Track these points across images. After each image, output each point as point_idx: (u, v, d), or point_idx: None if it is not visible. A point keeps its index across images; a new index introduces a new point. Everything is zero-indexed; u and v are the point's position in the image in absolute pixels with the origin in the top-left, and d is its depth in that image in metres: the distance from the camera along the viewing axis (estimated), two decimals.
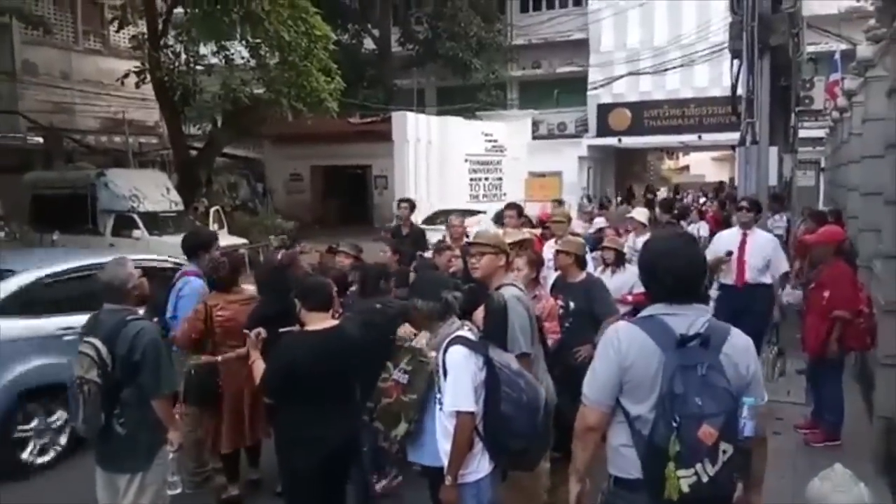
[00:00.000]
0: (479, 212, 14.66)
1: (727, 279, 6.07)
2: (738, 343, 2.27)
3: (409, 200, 8.32)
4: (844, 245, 5.73)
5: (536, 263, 4.52)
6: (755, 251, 5.98)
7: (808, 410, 5.57)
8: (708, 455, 2.06)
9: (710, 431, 2.05)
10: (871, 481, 3.64)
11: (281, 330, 3.52)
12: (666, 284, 2.29)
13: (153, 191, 14.11)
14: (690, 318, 2.24)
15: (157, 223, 13.24)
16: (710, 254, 5.93)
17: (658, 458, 2.09)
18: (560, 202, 20.52)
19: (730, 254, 5.99)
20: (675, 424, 2.06)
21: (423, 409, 3.41)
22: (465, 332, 3.06)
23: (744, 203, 6.35)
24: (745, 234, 6.10)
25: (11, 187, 14.28)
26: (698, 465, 2.06)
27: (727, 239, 6.29)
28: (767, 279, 5.97)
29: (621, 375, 2.23)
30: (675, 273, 2.27)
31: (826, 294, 5.18)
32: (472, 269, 3.75)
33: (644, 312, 2.35)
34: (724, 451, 2.07)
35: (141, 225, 13.04)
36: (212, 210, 14.99)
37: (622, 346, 2.24)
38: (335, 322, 3.50)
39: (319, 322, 3.40)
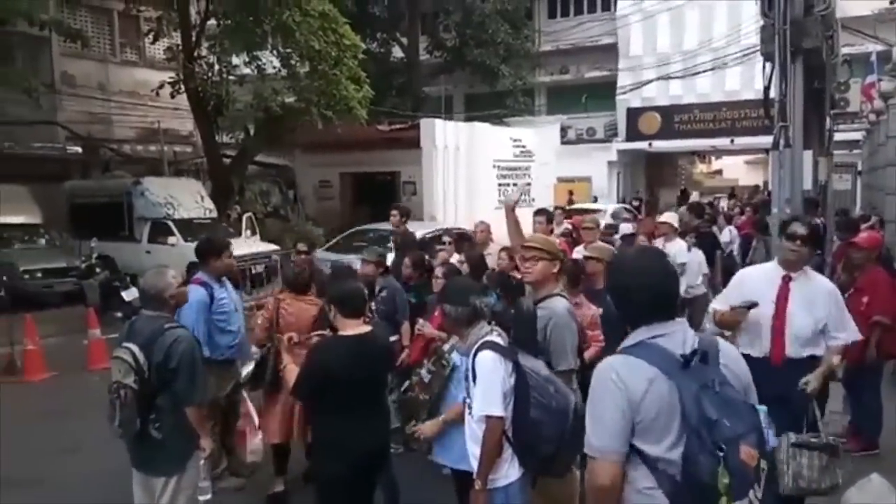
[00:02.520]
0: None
1: (752, 349, 3.70)
2: (730, 352, 2.15)
3: (399, 208, 8.53)
4: (883, 251, 5.62)
5: (577, 271, 4.52)
6: (803, 308, 3.67)
7: (846, 419, 5.47)
8: (755, 479, 1.88)
9: (751, 452, 1.88)
10: None
11: (314, 334, 3.59)
12: (642, 304, 2.08)
13: (188, 198, 14.38)
14: (680, 336, 2.06)
15: (191, 230, 13.45)
16: (723, 301, 3.98)
17: (706, 498, 1.84)
18: (594, 199, 20.48)
19: (754, 305, 3.69)
20: (721, 454, 1.83)
21: (435, 410, 3.54)
22: (494, 338, 3.08)
23: (796, 229, 3.72)
24: (788, 280, 3.73)
25: (51, 196, 14.66)
26: (751, 493, 1.88)
27: (758, 280, 3.88)
28: (819, 350, 3.74)
29: (632, 414, 1.96)
30: (652, 290, 2.07)
31: (865, 300, 5.11)
32: (524, 272, 3.68)
33: (629, 341, 2.10)
34: (763, 470, 1.91)
35: (176, 232, 13.28)
36: (244, 217, 15.22)
37: (625, 381, 1.98)
38: (368, 328, 3.54)
39: (353, 328, 3.44)
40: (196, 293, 4.54)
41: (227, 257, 4.85)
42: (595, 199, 21.50)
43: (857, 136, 16.14)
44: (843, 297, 4.23)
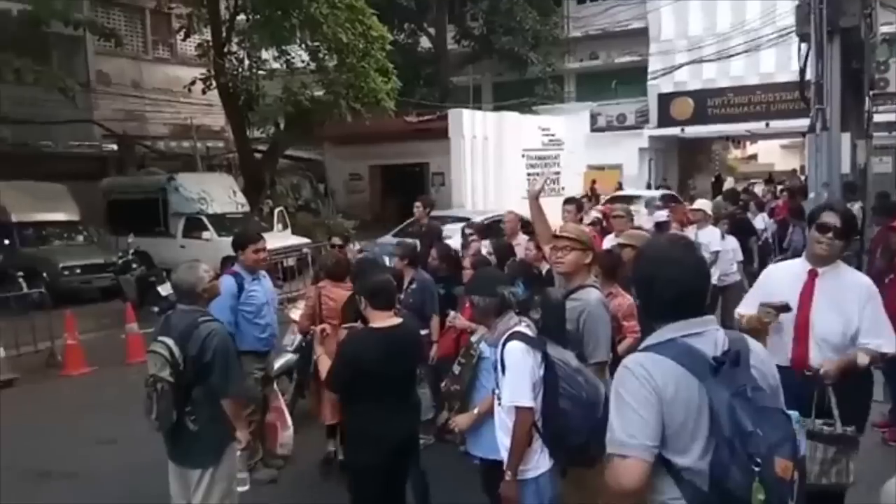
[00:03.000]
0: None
1: (775, 356, 2.84)
2: (760, 351, 1.99)
3: (423, 199, 8.61)
4: None
5: (613, 262, 4.45)
6: (831, 308, 3.17)
7: (886, 408, 5.33)
8: (790, 493, 1.73)
9: (786, 464, 1.72)
10: None
11: (344, 326, 3.62)
12: (666, 298, 1.91)
13: (221, 193, 14.62)
14: (712, 335, 1.91)
15: (224, 224, 13.68)
16: (751, 302, 3.43)
17: None
18: (620, 186, 20.24)
19: (785, 308, 3.21)
20: (756, 469, 1.69)
21: (467, 400, 3.58)
22: (522, 328, 3.07)
23: (828, 219, 3.23)
24: (814, 276, 3.25)
25: (88, 193, 14.99)
26: None
27: (782, 278, 3.42)
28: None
29: (663, 416, 1.81)
30: (678, 285, 1.90)
31: None
32: (555, 262, 3.61)
33: (656, 337, 1.93)
34: (796, 482, 1.74)
35: (210, 226, 13.51)
36: (276, 211, 15.41)
37: (656, 379, 1.81)
38: (399, 320, 3.56)
39: (384, 320, 3.45)
40: (225, 282, 4.60)
41: (252, 251, 4.86)
42: (620, 186, 21.17)
43: None
44: (882, 285, 3.99)
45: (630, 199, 14.42)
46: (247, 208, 15.00)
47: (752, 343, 1.99)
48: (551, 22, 25.25)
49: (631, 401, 1.83)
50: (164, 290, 10.70)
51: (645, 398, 1.80)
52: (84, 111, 17.30)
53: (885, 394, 5.46)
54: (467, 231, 7.09)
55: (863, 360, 3.14)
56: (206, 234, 13.42)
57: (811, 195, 8.42)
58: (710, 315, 1.98)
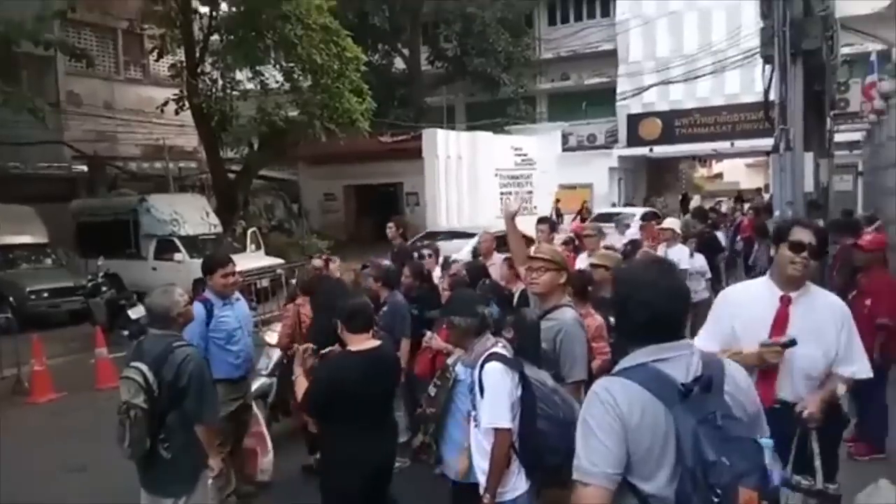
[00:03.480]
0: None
1: None
2: (738, 378, 1.94)
3: (396, 220, 8.60)
4: (886, 253, 5.60)
5: (584, 282, 4.51)
6: (809, 338, 2.82)
7: (852, 423, 5.45)
8: None
9: (750, 495, 1.68)
10: None
11: (322, 351, 3.61)
12: (640, 321, 1.88)
13: (193, 214, 14.47)
14: (685, 359, 1.87)
15: (197, 246, 13.53)
16: (714, 330, 3.01)
17: None
18: (587, 210, 20.49)
19: (791, 343, 2.78)
20: (716, 500, 1.67)
21: (444, 426, 3.51)
22: (500, 349, 3.09)
23: (802, 237, 2.90)
24: (787, 302, 2.91)
25: (57, 215, 14.74)
26: None
27: (747, 302, 3.01)
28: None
29: (628, 442, 1.79)
30: (652, 308, 1.87)
31: (868, 302, 5.09)
32: (530, 283, 3.65)
33: (628, 361, 1.91)
34: None
35: (182, 248, 13.36)
36: (249, 231, 15.31)
37: (621, 405, 1.79)
38: (377, 342, 3.57)
39: (362, 343, 3.46)
40: (194, 309, 4.40)
41: (221, 276, 4.63)
42: (584, 205, 21.52)
43: (858, 136, 16.10)
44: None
45: (611, 217, 14.63)
46: (220, 229, 14.87)
47: (731, 368, 1.96)
48: (523, 44, 25.68)
49: (595, 428, 1.82)
50: (135, 313, 10.50)
51: (609, 425, 1.79)
52: (54, 132, 17.05)
53: (851, 409, 5.60)
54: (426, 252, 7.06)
55: (841, 390, 2.91)
56: (178, 256, 13.25)
57: (776, 213, 8.62)
58: (686, 339, 1.95)
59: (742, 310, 2.96)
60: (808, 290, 2.93)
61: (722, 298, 3.14)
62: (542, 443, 2.96)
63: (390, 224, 8.42)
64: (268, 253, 14.95)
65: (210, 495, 3.52)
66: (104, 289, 11.53)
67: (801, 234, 2.89)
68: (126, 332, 10.14)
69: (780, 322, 2.88)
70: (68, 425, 7.13)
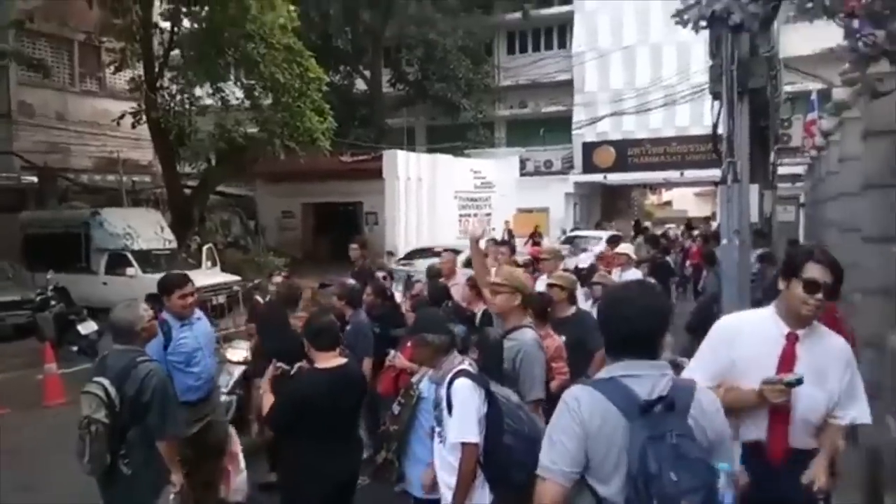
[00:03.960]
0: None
1: (746, 435, 2.70)
2: (705, 403, 2.03)
3: (358, 241, 8.71)
4: None
5: (544, 304, 4.62)
6: (813, 381, 2.60)
7: None
8: None
9: None
10: None
11: (295, 367, 3.66)
12: (620, 334, 2.05)
13: (147, 229, 14.22)
14: (653, 379, 1.99)
15: (150, 261, 13.30)
16: (710, 359, 2.75)
17: None
18: (538, 234, 20.92)
19: (799, 382, 2.54)
20: None
21: (407, 443, 3.58)
22: (467, 366, 3.18)
23: (816, 275, 2.58)
24: (794, 340, 2.67)
25: (5, 226, 14.32)
26: None
27: (751, 337, 2.72)
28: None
29: (586, 446, 1.96)
30: (629, 322, 2.03)
31: None
32: (489, 303, 3.90)
33: (601, 374, 2.10)
34: None
35: (134, 263, 13.10)
36: (205, 248, 15.09)
37: (583, 412, 1.97)
38: (343, 360, 3.63)
39: (328, 360, 3.52)
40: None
41: (178, 297, 4.43)
42: (536, 230, 21.86)
43: (800, 169, 16.92)
44: None
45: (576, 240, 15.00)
46: (174, 245, 14.64)
47: (701, 393, 2.05)
48: (483, 71, 26.20)
49: (559, 429, 2.02)
50: (85, 328, 10.30)
51: (571, 429, 1.97)
52: (4, 142, 16.60)
53: None
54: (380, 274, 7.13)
55: (842, 444, 2.70)
56: (130, 271, 12.98)
57: (723, 241, 9.00)
58: (662, 361, 2.07)
59: (743, 343, 2.71)
60: (815, 328, 2.69)
61: (719, 329, 2.86)
62: (508, 458, 3.04)
63: (354, 245, 8.49)
64: (224, 269, 14.75)
65: None
66: (53, 303, 11.22)
67: (816, 272, 2.57)
68: (75, 348, 9.95)
69: (788, 360, 2.65)
70: (14, 442, 6.88)
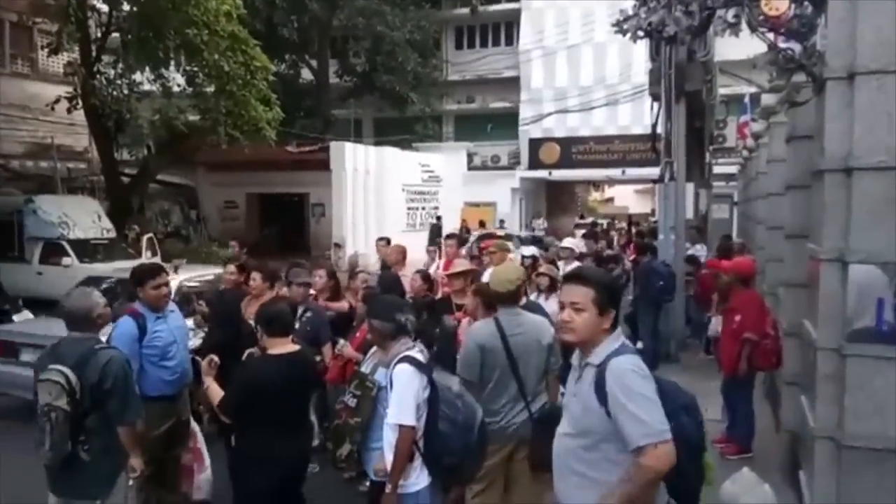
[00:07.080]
0: None
1: None
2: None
3: (324, 265, 8.60)
4: (749, 276, 6.21)
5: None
6: None
7: (723, 426, 6.06)
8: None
9: None
10: (780, 488, 4.11)
11: (246, 352, 3.70)
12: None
13: (83, 217, 13.77)
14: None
15: (87, 250, 12.91)
16: None
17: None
18: (483, 224, 21.28)
19: None
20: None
21: (368, 431, 3.64)
22: (414, 353, 3.29)
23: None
24: None
25: None
26: None
27: None
28: None
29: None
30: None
31: (737, 318, 5.68)
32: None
33: (615, 344, 2.43)
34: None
35: (71, 252, 12.69)
36: (144, 237, 14.71)
37: (648, 373, 2.29)
38: (296, 347, 3.69)
39: (280, 347, 3.58)
40: (124, 325, 4.23)
41: (152, 287, 4.33)
42: (482, 224, 22.42)
43: (733, 169, 17.61)
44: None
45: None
46: (113, 234, 14.22)
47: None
48: (431, 65, 26.24)
49: (649, 394, 2.20)
50: (19, 319, 9.92)
51: (654, 390, 2.22)
52: None
53: (723, 412, 6.24)
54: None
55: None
56: (66, 261, 12.56)
57: (661, 237, 9.40)
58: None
59: None
60: None
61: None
62: (440, 444, 3.19)
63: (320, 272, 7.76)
64: (164, 260, 14.40)
65: (129, 496, 3.50)
66: None
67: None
68: None
69: None
70: None
